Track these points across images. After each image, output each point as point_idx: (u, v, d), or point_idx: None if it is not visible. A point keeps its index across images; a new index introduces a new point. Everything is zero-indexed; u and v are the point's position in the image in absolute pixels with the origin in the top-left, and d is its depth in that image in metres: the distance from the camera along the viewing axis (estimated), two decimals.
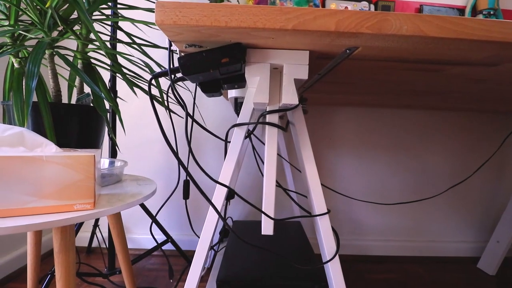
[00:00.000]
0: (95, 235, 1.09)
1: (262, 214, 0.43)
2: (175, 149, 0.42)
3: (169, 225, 1.18)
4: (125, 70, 0.73)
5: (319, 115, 1.16)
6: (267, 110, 0.43)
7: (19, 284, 0.90)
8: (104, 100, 0.59)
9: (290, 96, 0.38)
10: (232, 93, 0.60)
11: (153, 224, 1.09)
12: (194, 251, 1.15)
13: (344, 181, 1.17)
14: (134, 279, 0.73)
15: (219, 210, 0.46)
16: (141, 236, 1.17)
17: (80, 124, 0.60)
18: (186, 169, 0.40)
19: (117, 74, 0.77)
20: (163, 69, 0.42)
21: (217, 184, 0.45)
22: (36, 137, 0.47)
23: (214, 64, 0.35)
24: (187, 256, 0.96)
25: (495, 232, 1.10)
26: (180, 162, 0.40)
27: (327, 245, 0.46)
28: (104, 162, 0.75)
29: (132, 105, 1.14)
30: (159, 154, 1.15)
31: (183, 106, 0.41)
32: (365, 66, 0.47)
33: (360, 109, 1.16)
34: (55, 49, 0.59)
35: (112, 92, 0.85)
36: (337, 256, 0.45)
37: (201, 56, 0.35)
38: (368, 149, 1.17)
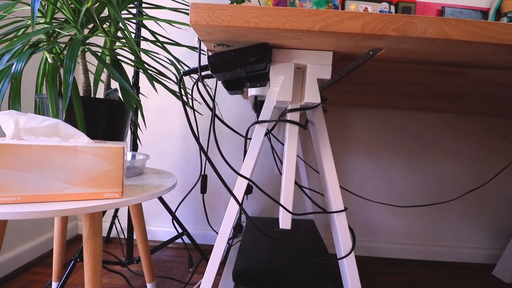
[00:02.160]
0: (114, 226, 1.14)
1: (280, 208, 0.45)
2: (201, 145, 0.44)
3: (185, 218, 1.21)
4: (147, 67, 0.76)
5: (336, 116, 1.16)
6: (289, 108, 0.45)
7: (43, 269, 0.95)
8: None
9: (313, 95, 0.39)
10: (253, 91, 0.61)
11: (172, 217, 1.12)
12: (208, 245, 1.18)
13: (358, 182, 1.17)
14: (153, 268, 0.76)
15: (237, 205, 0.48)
16: (157, 228, 1.21)
17: (107, 117, 0.63)
18: (211, 163, 0.42)
19: (140, 70, 0.80)
20: (187, 67, 0.44)
21: (238, 177, 0.47)
22: (70, 128, 0.50)
23: (241, 63, 0.37)
24: (201, 250, 0.99)
25: None
26: (207, 157, 0.42)
27: (343, 241, 0.47)
28: (127, 155, 0.79)
29: (152, 101, 1.17)
30: (176, 150, 1.18)
31: (211, 101, 0.43)
32: (386, 67, 0.47)
33: (377, 111, 1.15)
34: (87, 46, 0.62)
35: (136, 88, 0.89)
36: (352, 253, 0.46)
37: (229, 55, 0.37)
38: (384, 151, 1.16)
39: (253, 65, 0.38)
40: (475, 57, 0.39)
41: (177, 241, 1.19)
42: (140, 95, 1.13)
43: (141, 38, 0.79)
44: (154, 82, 0.72)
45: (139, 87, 0.90)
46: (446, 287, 0.98)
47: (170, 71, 0.76)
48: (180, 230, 1.17)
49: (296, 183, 0.58)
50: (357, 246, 1.18)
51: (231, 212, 0.49)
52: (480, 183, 1.15)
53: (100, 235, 0.51)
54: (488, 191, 1.16)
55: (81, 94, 0.65)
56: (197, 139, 0.41)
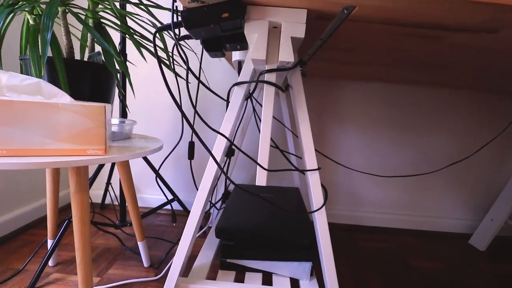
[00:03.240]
0: (107, 193, 1.18)
1: (257, 166, 0.47)
2: (181, 108, 0.46)
3: (177, 187, 1.25)
4: (133, 32, 0.75)
5: (326, 89, 1.16)
6: (266, 69, 0.46)
7: (39, 230, 1.00)
8: (114, 60, 0.62)
9: (286, 54, 0.40)
10: (236, 55, 0.61)
11: (161, 183, 1.16)
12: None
13: (346, 154, 1.20)
14: (143, 228, 0.81)
15: (218, 161, 0.50)
16: (150, 196, 1.26)
17: (91, 80, 0.63)
18: (191, 126, 0.44)
19: (126, 35, 0.79)
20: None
21: (217, 136, 0.48)
22: (52, 88, 0.51)
23: (214, 18, 0.37)
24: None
25: (490, 211, 1.12)
26: (183, 116, 0.43)
27: (315, 197, 0.50)
28: (115, 121, 0.80)
29: (142, 70, 1.17)
30: (168, 119, 1.20)
31: (185, 61, 0.44)
32: (365, 29, 0.47)
33: (366, 84, 1.15)
34: (68, 7, 0.61)
35: (122, 55, 0.88)
36: (323, 208, 0.49)
37: (202, 10, 0.37)
38: (372, 123, 1.18)
39: (227, 21, 0.38)
40: (449, 17, 0.40)
41: (168, 207, 1.24)
42: (128, 63, 1.12)
43: (125, 1, 0.77)
44: (142, 49, 0.71)
45: (126, 54, 0.89)
46: (423, 253, 1.04)
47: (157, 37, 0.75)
48: (170, 196, 1.21)
49: (277, 147, 0.60)
50: (342, 215, 1.23)
51: (210, 171, 0.51)
52: (463, 157, 1.18)
53: (86, 191, 0.54)
54: (470, 165, 1.19)
55: (65, 57, 0.65)
56: (174, 99, 0.42)
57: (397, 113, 1.17)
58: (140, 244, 0.82)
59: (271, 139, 0.50)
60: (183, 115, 0.45)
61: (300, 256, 0.60)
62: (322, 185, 0.51)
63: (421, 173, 1.16)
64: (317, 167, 0.50)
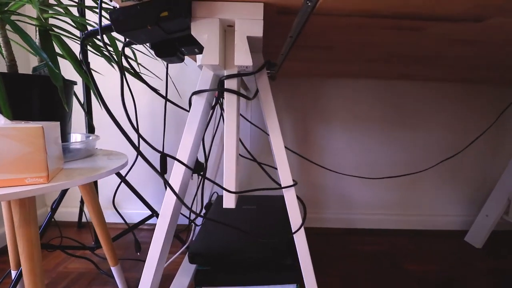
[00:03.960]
0: (83, 211, 1.10)
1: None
2: (130, 120, 0.39)
3: (157, 202, 1.18)
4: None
5: (310, 88, 1.10)
6: (225, 74, 0.39)
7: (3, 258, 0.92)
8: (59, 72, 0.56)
9: (242, 56, 0.34)
10: (199, 59, 0.55)
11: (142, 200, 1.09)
12: (182, 224, 1.17)
13: (334, 156, 1.14)
14: (115, 252, 0.74)
15: (176, 189, 0.44)
16: (132, 211, 1.18)
17: (40, 96, 0.56)
18: (135, 147, 0.37)
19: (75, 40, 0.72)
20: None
21: (175, 161, 0.42)
22: None
23: (151, 19, 0.31)
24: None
25: (484, 206, 1.08)
26: (138, 134, 0.37)
27: (292, 217, 0.44)
28: (76, 137, 0.73)
29: (112, 79, 1.09)
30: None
31: (133, 72, 0.38)
32: (338, 24, 0.42)
33: (351, 81, 1.10)
34: (5, 14, 0.54)
35: (85, 63, 0.81)
36: (302, 229, 0.44)
37: (135, 9, 0.31)
38: (359, 122, 1.13)
39: (168, 21, 0.32)
40: (430, 6, 0.34)
41: (151, 222, 1.17)
42: (96, 73, 1.05)
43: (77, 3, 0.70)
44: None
45: (88, 62, 0.82)
46: (418, 254, 1.00)
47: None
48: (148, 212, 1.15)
49: (255, 160, 0.54)
50: (335, 219, 1.18)
51: (168, 199, 0.45)
52: (454, 152, 1.14)
53: (34, 222, 0.47)
54: (462, 160, 1.16)
55: (6, 71, 0.57)
56: (127, 115, 0.35)
57: (385, 110, 1.12)
58: (114, 269, 0.75)
59: (248, 151, 0.44)
60: (138, 134, 0.38)
61: (284, 278, 0.55)
62: (300, 200, 0.46)
63: (411, 172, 1.12)
64: (292, 183, 0.44)
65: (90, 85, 0.75)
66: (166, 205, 0.44)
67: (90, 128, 0.87)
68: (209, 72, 0.43)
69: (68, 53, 0.65)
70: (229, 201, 0.41)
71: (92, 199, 0.67)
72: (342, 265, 0.91)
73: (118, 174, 0.91)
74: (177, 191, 0.45)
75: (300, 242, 0.44)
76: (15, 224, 0.46)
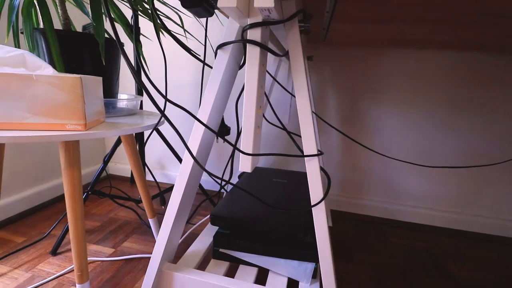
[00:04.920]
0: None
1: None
2: (154, 85, 0.39)
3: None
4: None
5: (363, 59, 0.98)
6: (248, 23, 0.36)
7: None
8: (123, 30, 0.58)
9: None
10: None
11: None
12: (216, 191, 1.21)
13: (385, 137, 1.02)
14: (152, 205, 0.80)
15: (194, 151, 0.43)
16: (174, 173, 1.27)
17: (89, 54, 0.61)
18: (161, 111, 0.37)
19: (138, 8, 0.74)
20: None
21: (195, 121, 0.41)
22: (36, 60, 0.48)
23: None
24: (207, 193, 1.01)
25: None
26: (166, 99, 0.37)
27: (313, 189, 0.40)
28: (123, 97, 0.78)
29: (162, 46, 1.13)
30: (188, 98, 1.16)
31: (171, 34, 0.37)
32: None
33: (414, 52, 0.94)
34: None
35: (135, 29, 0.84)
36: (322, 203, 0.39)
37: None
38: (419, 103, 0.97)
39: None
40: None
41: None
42: (144, 38, 1.10)
43: None
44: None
45: (139, 27, 0.86)
46: (469, 259, 0.86)
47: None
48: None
49: (285, 128, 0.51)
50: (375, 207, 1.08)
51: (187, 160, 0.44)
52: None
53: (77, 165, 0.52)
54: None
55: (61, 28, 0.62)
56: (139, 78, 0.35)
57: (453, 88, 0.94)
58: (151, 221, 0.82)
59: (276, 116, 0.41)
60: (147, 93, 0.38)
61: (302, 255, 0.52)
62: (325, 173, 0.41)
63: (478, 165, 0.94)
64: (316, 152, 0.39)
65: (139, 48, 0.79)
66: (184, 166, 0.44)
67: (139, 92, 0.93)
68: (235, 23, 0.40)
69: (119, 16, 0.68)
70: (245, 164, 0.39)
71: (133, 153, 0.72)
72: (376, 255, 0.84)
73: (160, 135, 0.96)
74: (195, 152, 0.44)
75: (319, 217, 0.40)
76: (62, 166, 0.51)
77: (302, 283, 0.50)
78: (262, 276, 0.67)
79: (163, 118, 0.68)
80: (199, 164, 0.40)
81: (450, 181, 1.01)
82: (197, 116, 0.43)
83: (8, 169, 0.90)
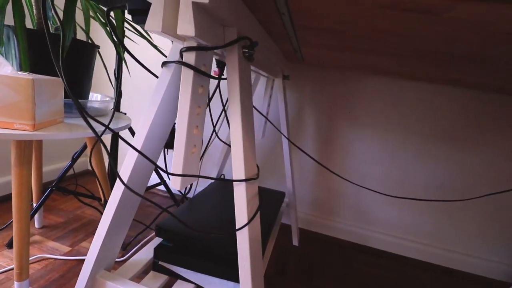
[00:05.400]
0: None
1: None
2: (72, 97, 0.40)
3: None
4: None
5: (344, 82, 0.99)
6: (184, 46, 0.36)
7: None
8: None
9: (185, 25, 0.30)
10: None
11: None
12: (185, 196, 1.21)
13: (359, 164, 1.02)
14: None
15: (129, 169, 0.43)
16: (153, 176, 1.27)
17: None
18: (82, 115, 0.38)
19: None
20: None
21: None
22: None
23: None
24: (175, 198, 1.01)
25: None
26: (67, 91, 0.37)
27: (238, 214, 0.40)
28: (97, 97, 0.80)
29: (148, 52, 1.15)
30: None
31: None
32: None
33: (392, 82, 0.95)
34: None
35: (112, 31, 0.86)
36: (245, 228, 0.39)
37: None
38: (395, 131, 0.97)
39: None
40: None
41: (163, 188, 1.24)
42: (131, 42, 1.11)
43: None
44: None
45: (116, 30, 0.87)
46: None
47: None
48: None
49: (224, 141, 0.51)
50: (345, 230, 1.07)
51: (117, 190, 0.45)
52: (510, 186, 0.90)
53: (27, 165, 0.53)
54: None
55: (36, 28, 0.64)
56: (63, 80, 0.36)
57: (430, 121, 0.94)
58: None
59: (217, 135, 0.41)
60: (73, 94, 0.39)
61: (231, 275, 0.51)
62: (259, 198, 0.41)
63: (451, 199, 0.93)
64: (244, 178, 0.40)
65: (119, 51, 0.81)
66: (115, 191, 0.44)
67: (119, 94, 0.95)
68: (180, 42, 0.41)
69: (101, 21, 0.70)
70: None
71: (96, 153, 0.72)
72: (336, 280, 0.83)
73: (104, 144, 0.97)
74: (129, 172, 0.45)
75: (242, 241, 0.40)
76: (12, 163, 0.52)
77: None
78: None
79: (128, 123, 0.69)
80: (132, 190, 0.40)
81: (421, 212, 1.00)
82: (135, 137, 0.43)
83: None
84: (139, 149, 0.44)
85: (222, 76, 1.02)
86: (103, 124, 0.39)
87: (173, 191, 1.24)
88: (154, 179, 1.27)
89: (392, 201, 1.02)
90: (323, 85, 1.01)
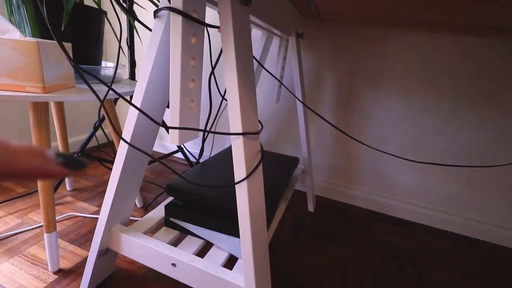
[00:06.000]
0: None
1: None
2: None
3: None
4: None
5: (367, 39, 0.90)
6: None
7: None
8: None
9: None
10: None
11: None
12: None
13: (380, 128, 0.96)
14: None
15: (131, 129, 0.44)
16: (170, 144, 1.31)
17: (71, 20, 0.62)
18: (107, 85, 0.37)
19: None
20: None
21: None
22: (5, 24, 0.51)
23: None
24: (192, 164, 1.04)
25: None
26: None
27: (236, 168, 0.39)
28: (107, 64, 0.81)
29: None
30: None
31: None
32: None
33: (419, 34, 0.85)
34: None
35: None
36: (244, 182, 0.39)
37: None
38: (422, 93, 0.89)
39: None
40: None
41: (189, 156, 1.28)
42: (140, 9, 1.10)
43: None
44: None
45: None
46: (450, 262, 0.81)
47: None
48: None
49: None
50: (363, 197, 1.04)
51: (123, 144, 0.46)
52: None
53: (45, 126, 0.56)
54: None
55: None
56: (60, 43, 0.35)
57: (465, 79, 0.84)
58: None
59: (220, 93, 0.39)
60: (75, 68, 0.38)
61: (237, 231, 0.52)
62: (262, 152, 0.40)
63: (478, 165, 0.86)
64: (241, 131, 0.38)
65: (130, 18, 0.80)
66: (119, 149, 0.45)
67: (132, 62, 0.95)
68: None
69: None
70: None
71: (112, 118, 0.75)
72: (351, 248, 0.82)
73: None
74: (131, 130, 0.45)
75: (241, 195, 0.40)
76: (31, 126, 0.56)
77: (241, 260, 0.51)
78: (205, 249, 0.70)
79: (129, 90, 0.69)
80: (137, 148, 0.41)
81: (446, 180, 0.93)
82: (134, 93, 0.43)
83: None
84: (139, 106, 0.44)
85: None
86: (106, 85, 0.40)
87: (191, 159, 1.28)
88: (174, 147, 1.31)
89: (415, 168, 0.96)
90: (343, 45, 0.93)
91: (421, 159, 0.94)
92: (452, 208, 0.95)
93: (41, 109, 0.55)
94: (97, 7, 0.73)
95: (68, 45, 0.55)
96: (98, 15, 0.69)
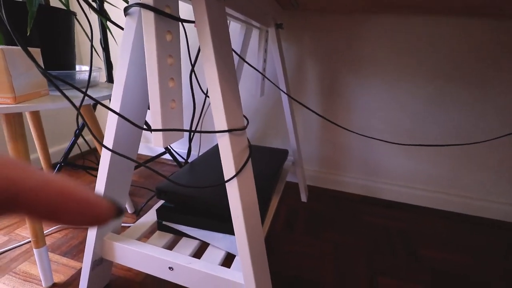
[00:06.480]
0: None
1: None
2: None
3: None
4: None
5: (347, 26, 0.90)
6: None
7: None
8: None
9: None
10: None
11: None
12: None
13: (365, 114, 0.97)
14: None
15: (112, 132, 0.42)
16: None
17: (38, 25, 0.59)
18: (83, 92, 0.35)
19: None
20: None
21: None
22: None
23: None
24: (181, 165, 1.03)
25: None
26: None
27: (225, 166, 0.39)
28: (82, 68, 0.77)
29: None
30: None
31: None
32: None
33: (400, 19, 0.85)
34: None
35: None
36: (234, 179, 0.38)
37: None
38: (404, 76, 0.90)
39: None
40: None
41: (177, 157, 1.26)
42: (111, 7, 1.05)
43: None
44: None
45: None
46: (444, 240, 0.83)
47: None
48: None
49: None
50: (355, 184, 1.06)
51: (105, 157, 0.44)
52: None
53: (21, 138, 0.53)
54: None
55: None
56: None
57: (443, 60, 0.86)
58: None
59: (196, 90, 0.38)
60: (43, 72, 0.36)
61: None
62: (250, 148, 0.39)
63: (465, 143, 0.88)
64: (226, 128, 0.37)
65: (103, 18, 0.76)
66: (103, 156, 0.43)
67: (109, 64, 0.92)
68: None
69: None
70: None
71: (92, 125, 0.72)
72: (344, 233, 0.84)
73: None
74: (113, 136, 0.43)
75: (232, 193, 0.39)
76: (6, 139, 0.53)
77: (238, 257, 0.51)
78: (201, 250, 0.69)
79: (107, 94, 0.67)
80: (118, 154, 0.39)
81: (434, 160, 0.96)
82: (112, 97, 0.41)
83: None
84: (117, 110, 0.43)
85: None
86: (80, 90, 0.37)
87: (179, 160, 1.26)
88: (161, 149, 1.29)
89: (403, 150, 0.98)
90: (323, 33, 0.93)
91: (407, 142, 0.96)
92: (440, 186, 0.98)
93: (14, 120, 0.52)
94: (65, 8, 0.69)
95: (36, 51, 0.52)
96: (67, 16, 0.66)
